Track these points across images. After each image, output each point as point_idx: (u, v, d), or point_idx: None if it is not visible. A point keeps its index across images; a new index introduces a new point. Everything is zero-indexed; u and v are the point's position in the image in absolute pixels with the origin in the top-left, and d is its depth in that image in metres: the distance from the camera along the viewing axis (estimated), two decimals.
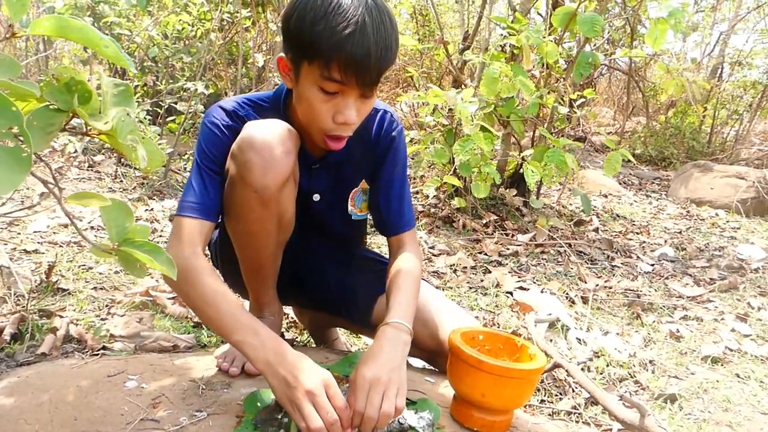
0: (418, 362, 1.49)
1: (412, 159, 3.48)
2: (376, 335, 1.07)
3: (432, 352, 1.31)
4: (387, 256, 1.36)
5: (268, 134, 1.08)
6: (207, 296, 1.03)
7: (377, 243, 2.78)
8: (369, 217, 1.42)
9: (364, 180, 1.33)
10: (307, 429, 0.90)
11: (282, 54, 1.09)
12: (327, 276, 1.41)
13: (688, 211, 4.79)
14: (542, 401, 1.57)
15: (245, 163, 1.07)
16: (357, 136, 1.20)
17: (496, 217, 3.43)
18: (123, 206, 0.76)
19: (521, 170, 3.08)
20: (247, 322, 1.00)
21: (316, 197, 1.29)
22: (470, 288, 2.39)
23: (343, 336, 1.77)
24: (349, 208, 1.34)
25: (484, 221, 3.36)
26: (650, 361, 1.87)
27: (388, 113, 1.30)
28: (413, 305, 1.15)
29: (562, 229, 3.46)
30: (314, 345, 1.68)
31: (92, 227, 2.51)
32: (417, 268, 1.23)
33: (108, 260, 1.92)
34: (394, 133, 1.29)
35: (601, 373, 1.76)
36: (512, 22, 3.24)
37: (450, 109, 3.11)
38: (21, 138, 0.56)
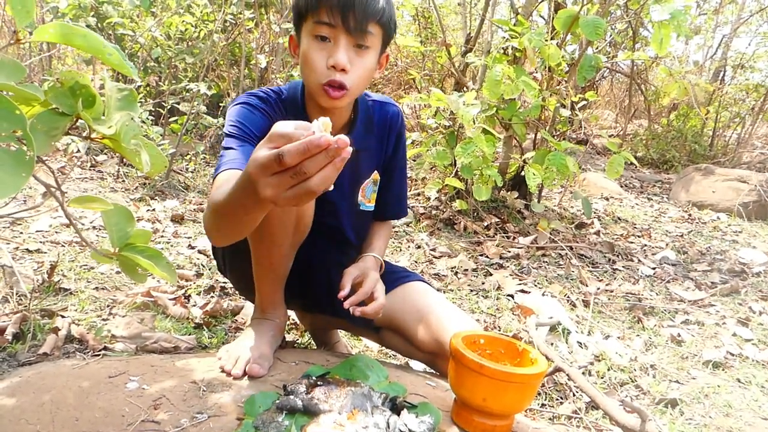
0: (418, 365, 1.49)
1: (414, 161, 3.48)
2: (362, 258, 1.35)
3: (433, 353, 1.31)
4: (385, 260, 1.43)
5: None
6: (219, 209, 0.93)
7: None
8: None
9: (375, 171, 1.39)
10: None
11: (293, 33, 1.21)
12: (330, 278, 1.42)
13: (689, 215, 4.78)
14: (543, 405, 1.57)
15: None
16: (370, 126, 1.32)
17: (497, 220, 3.43)
18: (125, 211, 0.76)
19: (523, 173, 3.08)
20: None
21: (331, 187, 1.30)
22: (471, 290, 2.39)
23: (344, 338, 1.77)
24: (359, 198, 1.38)
25: (486, 224, 3.36)
26: (651, 366, 1.87)
27: (398, 108, 1.41)
28: (385, 248, 1.46)
29: (563, 232, 3.46)
30: (315, 347, 1.68)
31: (94, 227, 2.51)
32: (388, 233, 1.51)
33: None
34: (402, 129, 1.42)
35: (602, 377, 1.76)
36: (514, 24, 3.24)
37: (452, 112, 3.11)
38: (24, 141, 0.56)
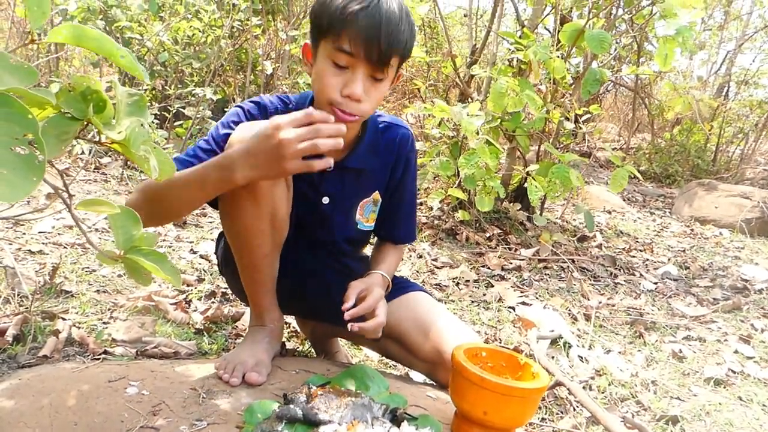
0: (418, 376, 1.48)
1: (418, 171, 3.48)
2: (370, 274, 1.31)
3: (433, 363, 1.31)
4: None
5: (255, 131, 1.10)
6: (168, 185, 1.07)
7: None
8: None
9: (377, 191, 1.36)
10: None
11: (308, 41, 1.18)
12: (329, 286, 1.41)
13: (692, 230, 4.78)
14: (543, 420, 1.56)
15: None
16: (376, 148, 1.29)
17: (499, 231, 3.43)
18: (131, 214, 0.76)
19: (526, 185, 3.09)
20: (201, 169, 1.06)
21: (325, 200, 1.31)
22: (472, 302, 2.38)
23: (344, 347, 1.76)
24: (357, 216, 1.35)
25: (488, 235, 3.36)
26: (652, 382, 1.86)
27: (409, 132, 1.37)
28: (394, 270, 1.42)
29: (565, 244, 3.46)
30: (315, 355, 1.68)
31: (96, 229, 2.51)
32: (398, 256, 1.46)
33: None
34: (411, 154, 1.38)
35: (602, 392, 1.75)
36: (520, 37, 3.25)
37: (456, 122, 3.12)
38: (35, 145, 0.56)
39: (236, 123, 1.20)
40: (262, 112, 1.26)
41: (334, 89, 1.10)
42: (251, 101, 1.27)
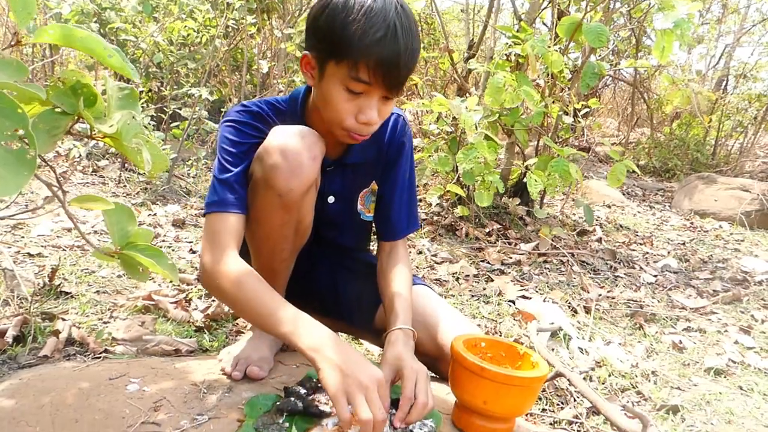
0: None
1: (416, 167, 3.48)
2: (389, 338, 1.15)
3: (433, 357, 1.31)
4: None
5: (296, 139, 1.10)
6: (248, 294, 1.05)
7: None
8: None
9: (374, 181, 1.36)
10: (351, 421, 0.90)
11: (306, 52, 1.10)
12: (336, 282, 1.42)
13: (691, 223, 4.77)
14: (544, 410, 1.56)
15: (272, 167, 1.08)
16: (371, 138, 1.24)
17: (499, 226, 3.43)
18: (126, 210, 0.76)
19: (525, 179, 3.08)
20: (294, 313, 1.02)
21: (331, 199, 1.31)
22: (472, 296, 2.39)
23: (345, 341, 1.76)
24: (359, 207, 1.36)
25: (487, 230, 3.36)
26: (653, 372, 1.86)
27: (401, 117, 1.34)
28: (411, 311, 1.24)
29: (565, 238, 3.45)
30: None
31: (95, 231, 2.51)
32: (410, 275, 1.33)
33: (111, 264, 1.93)
34: (404, 138, 1.33)
35: (603, 383, 1.75)
36: (517, 31, 3.25)
37: (454, 118, 3.12)
38: (26, 140, 0.56)
39: (240, 138, 1.16)
40: (257, 117, 1.20)
41: (349, 115, 1.07)
42: (240, 111, 1.21)
